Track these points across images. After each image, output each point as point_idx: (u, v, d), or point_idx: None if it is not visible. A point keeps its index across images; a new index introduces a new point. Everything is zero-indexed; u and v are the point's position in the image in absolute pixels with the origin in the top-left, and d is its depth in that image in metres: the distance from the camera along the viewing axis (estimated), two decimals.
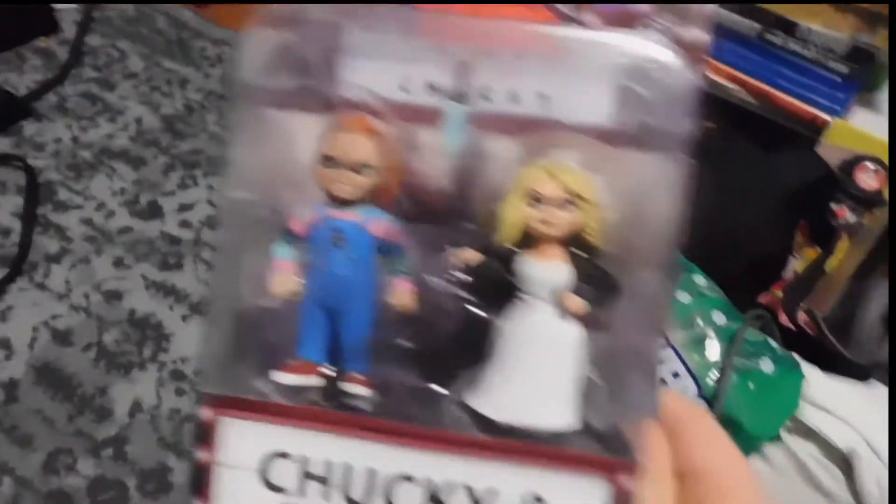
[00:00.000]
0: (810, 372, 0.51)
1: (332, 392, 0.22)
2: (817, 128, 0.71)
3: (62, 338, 0.65)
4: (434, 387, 0.22)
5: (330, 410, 0.21)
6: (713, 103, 0.73)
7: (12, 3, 0.96)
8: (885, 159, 0.67)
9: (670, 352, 0.51)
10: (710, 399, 0.49)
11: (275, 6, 0.22)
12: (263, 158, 0.23)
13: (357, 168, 0.22)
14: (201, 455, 0.20)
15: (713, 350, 0.50)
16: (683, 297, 0.52)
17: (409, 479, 0.20)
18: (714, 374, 0.49)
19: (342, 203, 0.23)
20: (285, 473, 0.20)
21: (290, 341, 0.22)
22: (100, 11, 1.09)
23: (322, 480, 0.20)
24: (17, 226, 0.74)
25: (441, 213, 0.23)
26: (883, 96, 0.84)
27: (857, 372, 0.54)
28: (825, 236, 0.68)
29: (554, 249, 0.22)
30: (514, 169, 0.22)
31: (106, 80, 0.96)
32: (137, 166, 0.84)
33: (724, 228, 0.61)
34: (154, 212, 0.78)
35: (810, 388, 0.50)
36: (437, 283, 0.23)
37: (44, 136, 0.86)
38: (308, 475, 0.20)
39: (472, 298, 0.23)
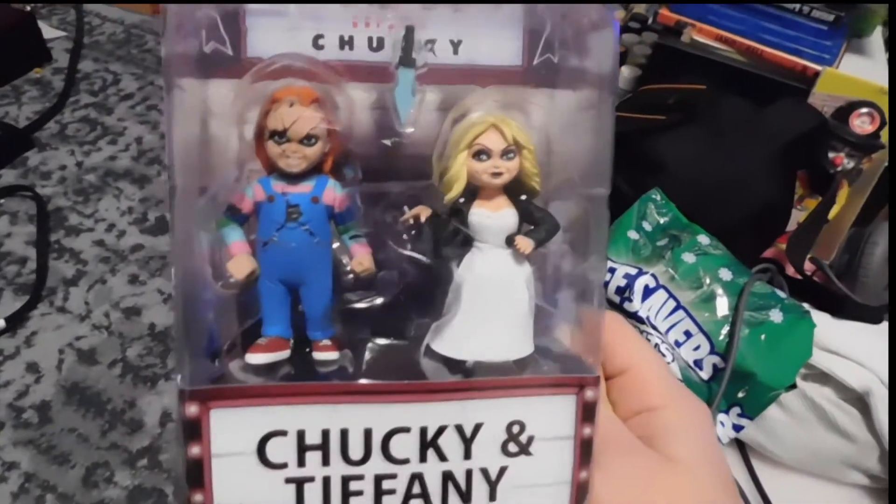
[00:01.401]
0: (820, 318, 0.52)
1: (304, 362, 0.22)
2: (808, 78, 0.71)
3: (87, 357, 0.66)
4: (402, 341, 0.23)
5: (318, 383, 0.21)
6: (701, 64, 0.73)
7: (4, 38, 0.97)
8: (879, 103, 0.67)
9: (681, 312, 0.51)
10: (724, 354, 0.49)
11: None
12: (196, 134, 0.22)
13: (306, 140, 0.22)
14: (194, 450, 0.20)
15: (722, 306, 0.51)
16: (689, 258, 0.53)
17: (403, 430, 0.21)
18: (725, 330, 0.50)
19: (291, 177, 0.22)
20: (283, 450, 0.20)
21: (253, 321, 0.22)
22: (89, 37, 1.10)
23: (320, 448, 0.21)
24: (32, 254, 0.76)
25: (383, 172, 0.24)
26: (873, 41, 0.84)
27: (868, 315, 0.54)
28: (825, 185, 0.68)
29: (499, 197, 0.24)
30: (447, 121, 0.23)
31: (102, 104, 0.98)
32: (142, 184, 0.86)
33: (724, 186, 0.61)
34: (163, 227, 0.79)
35: (822, 334, 0.50)
36: (392, 242, 0.24)
37: (49, 165, 0.88)
38: (306, 447, 0.21)
39: (427, 252, 0.24)
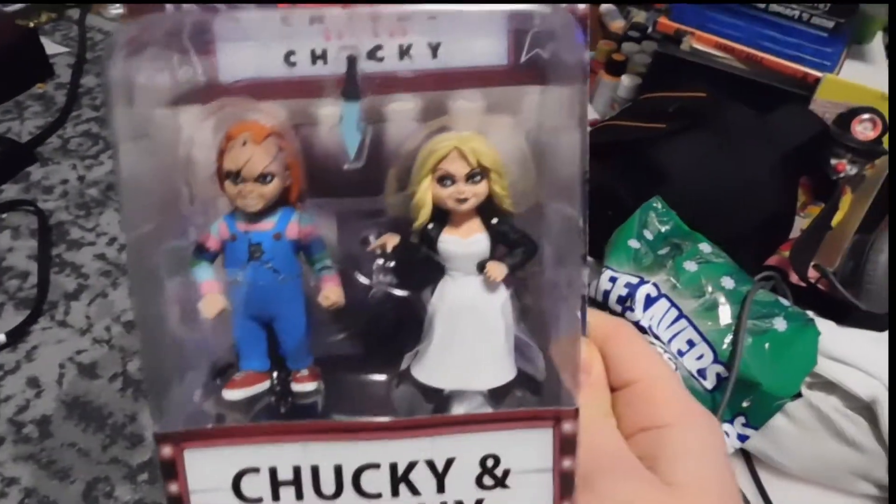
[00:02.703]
0: (825, 326, 0.51)
1: (282, 393, 0.23)
2: (809, 85, 0.71)
3: (88, 371, 0.66)
4: (378, 371, 0.23)
5: (287, 422, 0.21)
6: (702, 72, 0.73)
7: (7, 54, 0.98)
8: (881, 109, 0.67)
9: (684, 321, 0.51)
10: (727, 363, 0.49)
11: (143, 6, 0.20)
12: (157, 172, 0.21)
13: (261, 179, 0.21)
14: (172, 488, 0.21)
15: (725, 315, 0.50)
16: (691, 266, 0.52)
17: (373, 466, 0.21)
18: (729, 339, 0.50)
19: (253, 214, 0.22)
20: (257, 486, 0.21)
21: (230, 357, 0.23)
22: (91, 52, 1.11)
23: (293, 483, 0.21)
24: (33, 268, 0.76)
25: (358, 188, 0.23)
26: (874, 48, 0.84)
27: (873, 322, 0.54)
28: (828, 192, 0.68)
29: (470, 221, 0.23)
30: (418, 138, 0.22)
31: (104, 119, 0.99)
32: None
33: (726, 194, 0.61)
34: None
35: (827, 342, 0.50)
36: (362, 273, 0.24)
37: (51, 179, 0.88)
38: (279, 482, 0.21)
39: (398, 282, 0.23)
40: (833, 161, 0.67)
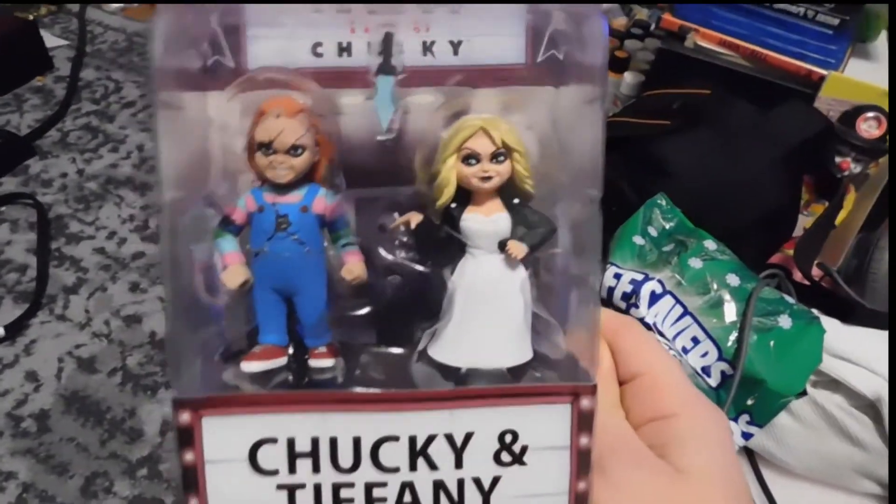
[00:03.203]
0: (830, 324, 0.51)
1: (299, 370, 0.22)
2: (813, 83, 0.71)
3: (87, 365, 0.66)
4: (396, 348, 0.23)
5: (306, 391, 0.22)
6: (705, 69, 0.73)
7: (6, 46, 0.97)
8: (886, 107, 0.67)
9: (688, 318, 0.51)
10: (732, 360, 0.49)
11: None
12: (188, 146, 0.22)
13: (292, 151, 0.22)
14: (188, 457, 0.20)
15: (730, 312, 0.50)
16: (696, 263, 0.52)
17: (392, 439, 0.21)
18: (733, 336, 0.49)
19: (281, 187, 0.22)
20: (274, 457, 0.21)
21: (250, 329, 0.23)
22: (91, 45, 1.10)
23: (310, 456, 0.21)
24: (32, 261, 0.75)
25: (377, 178, 0.24)
26: (878, 46, 0.83)
27: (878, 320, 0.53)
28: (832, 190, 0.67)
29: (492, 201, 0.23)
30: (440, 123, 0.23)
31: (104, 112, 0.98)
32: (143, 192, 0.85)
33: (730, 191, 0.61)
34: None
35: (831, 340, 0.50)
36: (385, 250, 0.24)
37: (50, 172, 0.87)
38: (296, 454, 0.21)
39: (420, 259, 0.23)
40: (837, 159, 0.66)
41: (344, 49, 0.23)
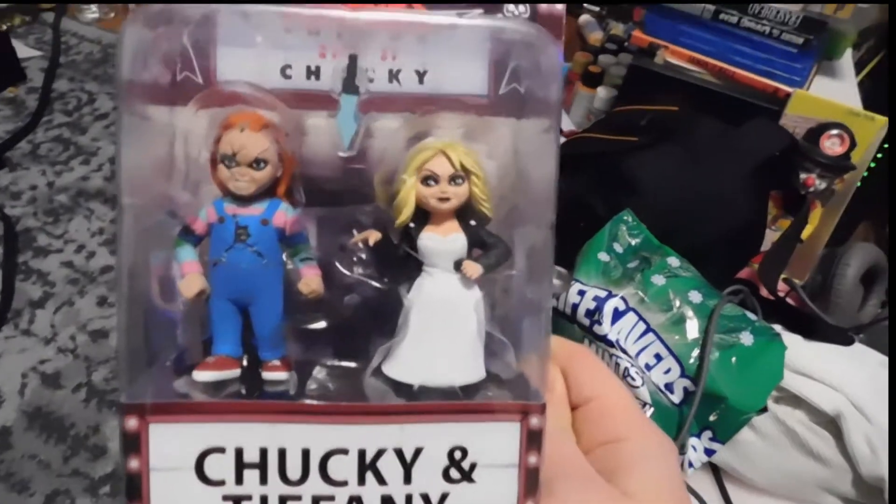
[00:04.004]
0: (792, 340, 0.52)
1: (251, 382, 0.23)
2: (779, 100, 0.72)
3: (51, 381, 0.65)
4: (350, 363, 0.24)
5: (256, 401, 0.22)
6: (674, 86, 0.73)
7: None
8: (849, 124, 0.68)
9: (651, 335, 0.51)
10: (694, 377, 0.49)
11: (148, 5, 0.22)
12: (151, 155, 0.23)
13: (254, 164, 0.22)
14: (133, 464, 0.20)
15: (692, 329, 0.50)
16: (658, 280, 0.52)
17: (341, 451, 0.21)
18: (696, 353, 0.50)
19: (242, 199, 0.23)
20: (221, 467, 0.20)
21: (203, 339, 0.23)
22: (65, 56, 1.09)
23: (258, 467, 0.21)
24: None
25: (338, 197, 0.24)
26: (843, 64, 0.85)
27: (839, 337, 0.54)
28: (797, 206, 0.68)
29: (449, 222, 0.24)
30: (401, 146, 0.24)
31: (76, 124, 0.97)
32: (114, 205, 0.85)
33: (698, 207, 0.61)
34: None
35: (793, 356, 0.50)
36: (342, 266, 0.24)
37: (19, 185, 0.86)
38: (244, 464, 0.21)
39: (377, 276, 0.24)
40: (802, 175, 0.67)
41: (312, 72, 0.23)
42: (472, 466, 0.22)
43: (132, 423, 0.20)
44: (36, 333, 0.69)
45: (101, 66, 1.05)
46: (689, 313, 0.51)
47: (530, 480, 0.22)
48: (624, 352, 0.50)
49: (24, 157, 0.89)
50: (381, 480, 0.21)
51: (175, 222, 0.23)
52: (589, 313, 0.51)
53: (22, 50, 1.05)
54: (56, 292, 0.73)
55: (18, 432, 0.62)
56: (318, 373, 0.24)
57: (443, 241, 0.23)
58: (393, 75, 0.23)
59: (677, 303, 0.51)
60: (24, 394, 0.64)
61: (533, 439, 0.22)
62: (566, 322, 0.53)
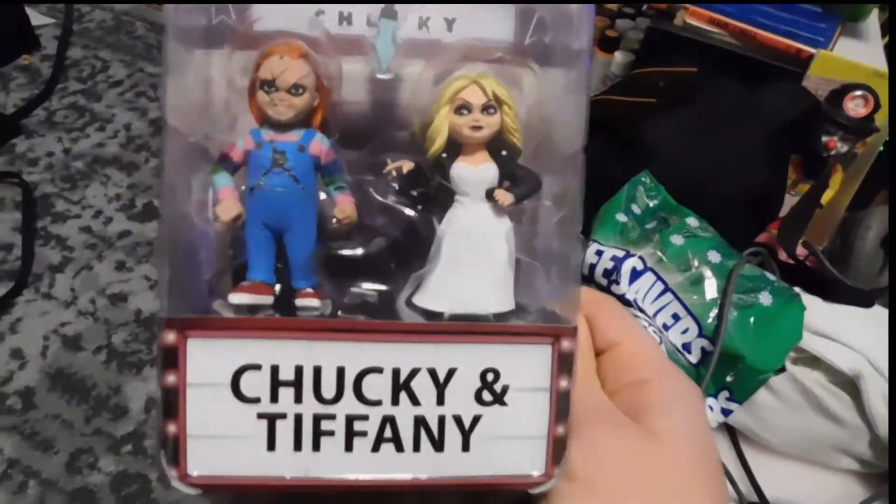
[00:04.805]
0: (811, 302, 0.51)
1: (285, 310, 0.23)
2: (802, 61, 0.70)
3: (72, 343, 0.66)
4: (383, 290, 0.24)
5: (294, 319, 0.22)
6: (694, 47, 0.72)
7: None
8: (874, 86, 0.66)
9: (669, 295, 0.51)
10: (712, 337, 0.49)
11: None
12: (192, 95, 0.23)
13: (293, 90, 0.23)
14: (170, 379, 0.20)
15: (711, 289, 0.50)
16: (677, 240, 0.52)
17: (375, 370, 0.21)
18: (714, 313, 0.49)
19: (280, 126, 0.23)
20: (257, 384, 0.21)
21: (239, 264, 0.23)
22: (78, 24, 1.09)
23: (293, 385, 0.21)
24: (18, 240, 0.75)
25: (370, 131, 0.24)
26: (869, 25, 0.83)
27: (859, 298, 0.53)
28: (818, 169, 0.67)
29: (481, 152, 0.24)
30: (430, 89, 0.24)
31: (91, 91, 0.97)
32: (130, 171, 0.85)
33: (716, 171, 0.61)
34: (150, 214, 0.78)
35: (812, 318, 0.50)
36: (376, 194, 0.24)
37: (36, 151, 0.87)
38: (279, 382, 0.21)
39: (410, 205, 0.24)
40: (824, 138, 0.66)
41: (345, 18, 0.24)
42: (505, 389, 0.22)
43: (170, 337, 0.20)
44: (56, 297, 0.70)
45: (114, 34, 1.04)
46: (708, 273, 0.51)
47: (561, 404, 0.22)
48: (642, 311, 0.50)
49: (39, 125, 0.89)
50: (415, 401, 0.21)
51: (214, 148, 0.23)
52: (606, 273, 0.51)
53: (35, 17, 1.05)
54: (75, 257, 0.74)
55: (42, 393, 0.63)
56: (352, 298, 0.24)
57: (475, 171, 0.24)
58: (423, 22, 0.24)
59: (696, 263, 0.51)
60: (46, 356, 0.65)
61: (564, 363, 0.22)
62: (583, 282, 0.53)
